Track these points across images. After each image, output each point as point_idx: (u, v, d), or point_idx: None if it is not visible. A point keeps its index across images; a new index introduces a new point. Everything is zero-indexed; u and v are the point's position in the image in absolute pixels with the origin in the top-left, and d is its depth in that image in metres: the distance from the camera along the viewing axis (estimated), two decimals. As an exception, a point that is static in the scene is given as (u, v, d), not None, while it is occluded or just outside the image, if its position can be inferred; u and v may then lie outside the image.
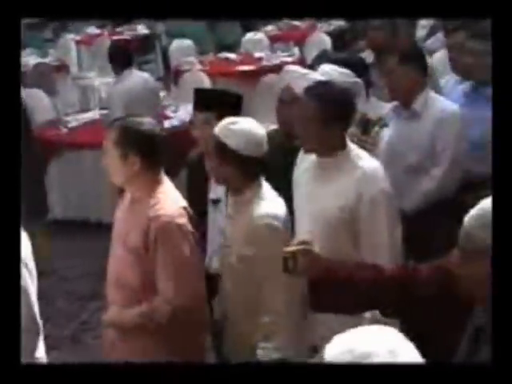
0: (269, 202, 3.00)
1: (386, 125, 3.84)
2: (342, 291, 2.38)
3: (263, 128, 3.12)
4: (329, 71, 3.40)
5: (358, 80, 3.48)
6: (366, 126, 3.78)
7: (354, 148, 3.07)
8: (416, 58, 3.97)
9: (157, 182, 2.97)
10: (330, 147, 3.01)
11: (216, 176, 3.14)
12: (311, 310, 2.49)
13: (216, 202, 3.46)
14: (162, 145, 3.00)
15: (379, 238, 2.93)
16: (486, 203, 2.03)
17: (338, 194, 2.96)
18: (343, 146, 3.03)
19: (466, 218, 2.03)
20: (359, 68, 4.01)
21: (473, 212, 2.03)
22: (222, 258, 3.19)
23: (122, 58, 6.47)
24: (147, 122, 3.01)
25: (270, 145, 3.08)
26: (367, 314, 2.68)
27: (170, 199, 2.95)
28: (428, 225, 3.66)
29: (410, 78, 3.86)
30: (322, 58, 5.09)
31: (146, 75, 6.87)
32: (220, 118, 3.19)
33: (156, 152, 2.97)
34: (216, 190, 3.46)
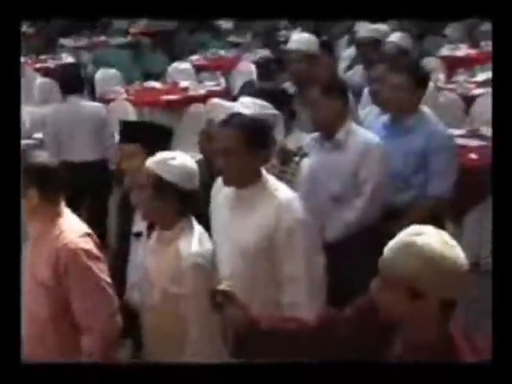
0: (196, 240, 2.98)
1: (305, 155, 3.87)
2: (264, 344, 2.37)
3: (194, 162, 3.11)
4: (247, 104, 3.42)
5: (276, 112, 3.52)
6: (286, 156, 3.81)
7: (270, 179, 3.07)
8: (338, 89, 4.03)
9: (57, 214, 3.00)
10: (247, 178, 3.02)
11: (146, 210, 3.09)
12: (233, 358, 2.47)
13: (138, 235, 3.43)
14: (59, 177, 3.02)
15: (297, 267, 2.92)
16: (407, 232, 2.08)
17: (256, 225, 2.96)
18: (259, 177, 3.03)
19: (387, 247, 2.07)
20: (283, 99, 4.06)
21: (394, 241, 2.07)
22: (144, 294, 3.14)
23: (66, 83, 6.35)
24: (43, 155, 3.04)
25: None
26: None
27: (72, 228, 2.98)
28: (350, 254, 3.71)
29: (332, 109, 3.92)
30: (247, 88, 5.13)
31: (92, 104, 6.63)
32: (147, 150, 3.17)
33: (53, 185, 2.99)
34: (139, 224, 3.42)
